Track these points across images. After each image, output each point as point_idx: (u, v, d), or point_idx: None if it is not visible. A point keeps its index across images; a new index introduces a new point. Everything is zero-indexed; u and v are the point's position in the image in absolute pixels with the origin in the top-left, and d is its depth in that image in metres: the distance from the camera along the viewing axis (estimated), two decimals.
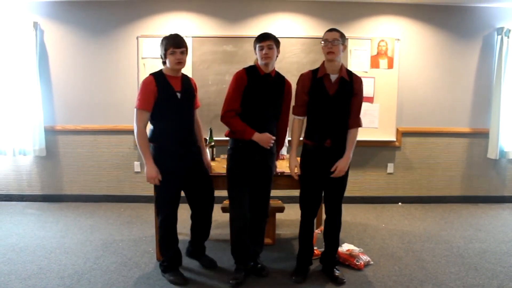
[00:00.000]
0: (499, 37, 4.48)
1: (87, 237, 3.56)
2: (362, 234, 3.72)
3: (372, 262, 3.09)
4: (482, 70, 4.60)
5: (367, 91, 4.37)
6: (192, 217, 2.92)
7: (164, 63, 2.67)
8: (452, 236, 3.67)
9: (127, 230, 3.77)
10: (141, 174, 4.58)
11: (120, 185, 4.64)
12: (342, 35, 2.59)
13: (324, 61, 2.66)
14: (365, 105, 4.38)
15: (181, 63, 2.62)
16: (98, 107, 4.52)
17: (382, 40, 4.45)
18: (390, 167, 4.69)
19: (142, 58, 4.40)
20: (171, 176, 2.67)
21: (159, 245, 2.88)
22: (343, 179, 2.73)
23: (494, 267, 3.05)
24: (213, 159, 3.48)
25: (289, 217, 4.01)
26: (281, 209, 3.49)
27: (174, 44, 2.57)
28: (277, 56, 2.68)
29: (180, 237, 2.91)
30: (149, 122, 2.68)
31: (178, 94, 2.66)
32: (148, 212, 4.20)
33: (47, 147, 4.53)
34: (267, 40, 2.60)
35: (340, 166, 2.65)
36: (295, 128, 2.75)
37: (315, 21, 4.45)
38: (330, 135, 2.65)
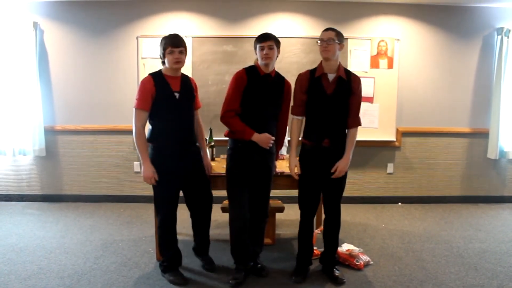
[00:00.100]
0: (499, 37, 4.48)
1: (87, 237, 3.56)
2: (362, 234, 3.72)
3: (372, 262, 3.09)
4: (482, 70, 4.60)
5: (367, 91, 4.40)
6: (191, 216, 2.92)
7: (163, 63, 2.67)
8: (452, 236, 3.67)
9: (127, 230, 3.77)
10: (141, 174, 4.57)
11: (120, 185, 4.64)
12: (339, 34, 2.59)
13: (321, 61, 2.67)
14: (365, 105, 4.44)
15: (179, 62, 2.62)
16: (98, 107, 4.52)
17: (382, 40, 4.45)
18: (390, 167, 4.69)
19: (142, 58, 4.40)
20: (171, 176, 2.67)
21: (159, 245, 2.88)
22: (342, 179, 2.72)
23: (494, 267, 3.05)
24: (213, 159, 3.48)
25: (289, 217, 4.01)
26: (281, 209, 3.49)
27: (172, 44, 2.58)
28: (277, 56, 2.68)
29: (180, 237, 2.91)
30: (148, 122, 2.68)
31: (176, 94, 2.66)
32: (148, 212, 4.20)
33: (47, 147, 4.53)
34: (267, 41, 2.60)
35: (341, 167, 2.65)
36: (294, 128, 2.76)
37: (315, 21, 4.45)
38: (328, 135, 2.65)
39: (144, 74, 4.07)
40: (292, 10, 4.44)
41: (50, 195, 4.63)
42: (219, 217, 3.71)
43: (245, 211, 2.74)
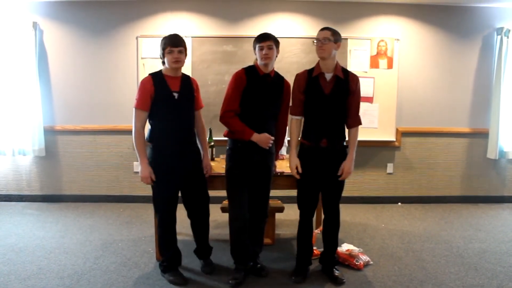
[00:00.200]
0: (499, 37, 4.48)
1: (86, 237, 3.55)
2: (361, 234, 3.72)
3: (371, 262, 3.09)
4: (482, 70, 4.60)
5: (366, 91, 4.40)
6: (188, 216, 2.92)
7: (163, 63, 2.68)
8: (452, 236, 3.67)
9: (126, 230, 3.76)
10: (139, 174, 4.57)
11: (120, 185, 4.64)
12: (335, 33, 2.58)
13: (319, 61, 2.67)
14: (364, 105, 4.45)
15: (179, 62, 2.62)
16: (97, 107, 4.52)
17: (382, 40, 4.45)
18: (390, 167, 4.69)
19: (142, 58, 4.40)
20: (170, 176, 2.67)
21: (159, 245, 2.88)
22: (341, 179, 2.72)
23: (494, 267, 3.05)
24: (212, 159, 3.48)
25: (288, 217, 4.01)
26: (280, 209, 3.49)
27: (171, 43, 2.58)
28: (276, 56, 2.68)
29: (180, 237, 2.91)
30: (148, 122, 2.68)
31: (176, 94, 2.66)
32: (148, 212, 4.20)
33: (46, 147, 4.53)
34: (267, 41, 2.60)
35: (346, 168, 2.66)
36: (293, 128, 2.76)
37: (315, 21, 4.45)
38: (326, 135, 2.65)
39: (144, 74, 4.08)
40: (292, 10, 4.44)
41: (49, 195, 4.63)
42: (219, 217, 3.70)
43: (244, 211, 2.74)
